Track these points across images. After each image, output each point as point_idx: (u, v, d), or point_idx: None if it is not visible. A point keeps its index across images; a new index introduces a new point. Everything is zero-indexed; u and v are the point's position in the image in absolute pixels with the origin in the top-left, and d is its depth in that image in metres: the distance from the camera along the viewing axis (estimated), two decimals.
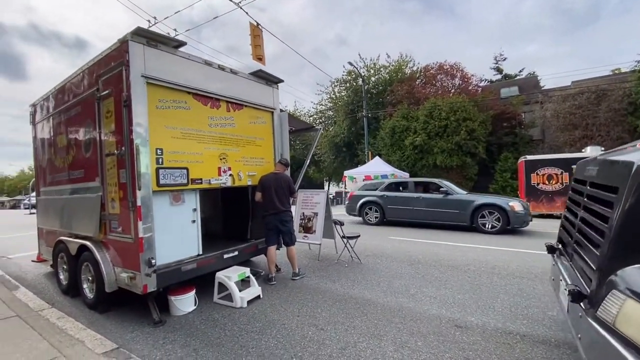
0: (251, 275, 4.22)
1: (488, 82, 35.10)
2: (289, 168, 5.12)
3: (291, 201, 4.93)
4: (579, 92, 20.29)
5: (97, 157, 3.87)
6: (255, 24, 11.02)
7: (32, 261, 6.45)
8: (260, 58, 11.15)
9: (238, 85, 4.62)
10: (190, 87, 3.95)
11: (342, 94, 29.35)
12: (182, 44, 3.77)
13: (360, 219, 11.68)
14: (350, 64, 23.20)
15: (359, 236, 5.69)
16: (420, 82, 27.59)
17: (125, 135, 3.40)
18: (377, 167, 19.12)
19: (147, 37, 3.49)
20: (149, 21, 9.96)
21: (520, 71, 36.67)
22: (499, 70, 38.78)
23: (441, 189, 9.74)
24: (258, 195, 4.80)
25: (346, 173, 20.23)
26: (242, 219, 5.09)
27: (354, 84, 28.09)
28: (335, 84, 29.11)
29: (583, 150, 14.05)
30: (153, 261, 3.38)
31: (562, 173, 13.98)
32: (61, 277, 4.63)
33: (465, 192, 10.05)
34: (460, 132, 20.19)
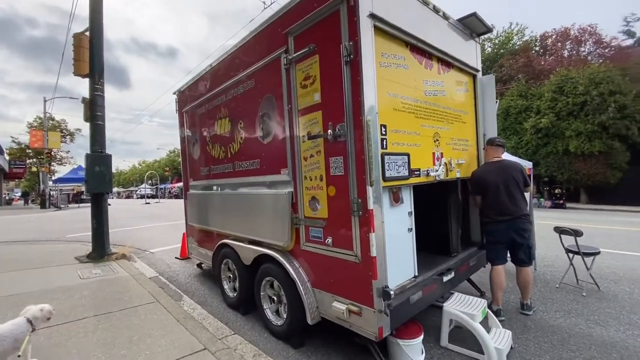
0: (489, 311, 2.89)
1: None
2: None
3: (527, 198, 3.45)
4: None
5: (284, 142, 2.92)
6: None
7: (176, 258, 6.22)
8: None
9: (447, 36, 3.28)
10: (411, 35, 2.73)
11: None
12: None
13: None
14: None
15: (598, 252, 3.92)
16: (536, 53, 23.23)
17: (347, 108, 2.31)
18: None
19: None
20: (264, 2, 9.33)
21: None
22: (630, 33, 30.85)
23: None
24: (478, 199, 3.46)
25: None
26: (436, 223, 3.76)
27: None
28: None
29: None
30: (391, 292, 2.26)
31: None
32: (226, 287, 3.94)
33: None
34: (606, 110, 16.03)
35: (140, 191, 51.09)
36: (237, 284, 3.72)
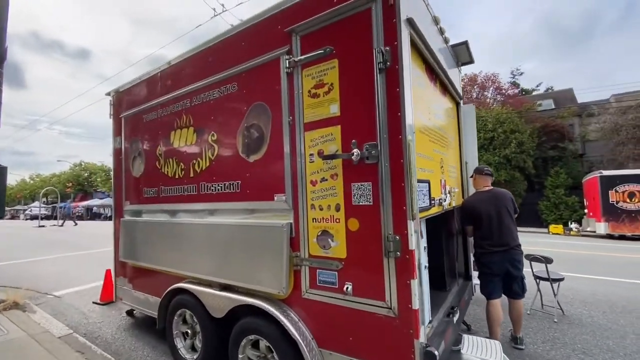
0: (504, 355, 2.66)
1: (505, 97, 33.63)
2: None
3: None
4: None
5: (282, 162, 2.36)
6: None
7: (95, 303, 4.84)
8: None
9: (446, 60, 3.17)
10: (430, 52, 2.51)
11: None
12: None
13: None
14: None
15: (563, 279, 4.12)
16: None
17: (381, 124, 1.90)
18: None
19: None
20: (214, 9, 8.60)
21: (538, 85, 35.35)
22: (515, 84, 37.82)
23: None
24: (469, 230, 3.33)
25: None
26: (430, 255, 3.51)
27: None
28: None
29: None
30: (436, 354, 1.83)
31: None
32: (180, 345, 3.03)
33: None
34: (509, 145, 18.85)
35: (31, 211, 42.23)
36: (198, 342, 2.87)
